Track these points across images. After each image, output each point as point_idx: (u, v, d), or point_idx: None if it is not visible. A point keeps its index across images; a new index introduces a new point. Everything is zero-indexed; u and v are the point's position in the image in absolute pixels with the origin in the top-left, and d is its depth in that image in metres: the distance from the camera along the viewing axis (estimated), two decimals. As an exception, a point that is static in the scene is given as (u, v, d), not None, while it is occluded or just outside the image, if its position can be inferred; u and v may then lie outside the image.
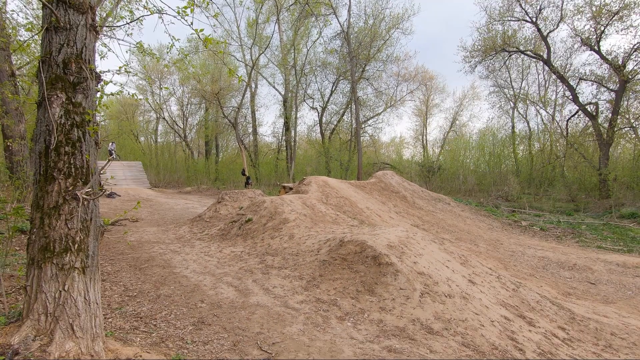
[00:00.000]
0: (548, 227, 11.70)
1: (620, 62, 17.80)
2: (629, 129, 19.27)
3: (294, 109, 27.30)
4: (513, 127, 27.50)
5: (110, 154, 21.22)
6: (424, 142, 35.71)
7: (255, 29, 23.24)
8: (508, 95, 27.19)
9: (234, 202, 9.81)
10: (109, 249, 6.51)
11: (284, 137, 28.40)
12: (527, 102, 26.50)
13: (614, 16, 17.43)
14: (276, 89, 27.89)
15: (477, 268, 5.25)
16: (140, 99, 36.15)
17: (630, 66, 17.78)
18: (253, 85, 29.45)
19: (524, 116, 27.12)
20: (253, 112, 29.89)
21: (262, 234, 6.81)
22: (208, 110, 33.74)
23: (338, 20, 22.35)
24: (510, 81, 26.86)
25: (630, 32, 17.44)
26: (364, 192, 10.98)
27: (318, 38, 25.56)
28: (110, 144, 23.34)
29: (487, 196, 19.88)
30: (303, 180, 10.47)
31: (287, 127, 27.36)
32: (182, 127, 36.71)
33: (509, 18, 20.51)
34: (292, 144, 26.85)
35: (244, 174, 22.33)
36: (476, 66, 21.94)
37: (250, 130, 30.73)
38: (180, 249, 6.56)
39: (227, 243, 6.86)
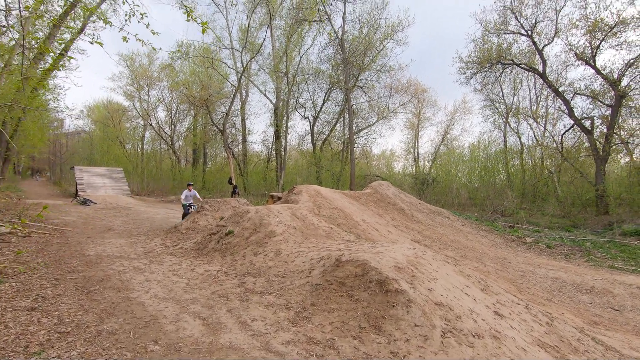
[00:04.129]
0: (554, 244, 10.98)
1: (615, 77, 17.61)
2: (621, 144, 19.01)
3: (285, 118, 26.54)
4: (505, 141, 27.25)
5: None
6: (416, 155, 35.30)
7: (247, 34, 22.57)
8: (500, 110, 27.00)
9: (215, 212, 8.81)
10: (59, 266, 5.44)
11: (274, 146, 27.53)
12: (519, 116, 26.32)
13: (609, 31, 17.29)
14: (267, 97, 27.17)
15: (502, 296, 4.38)
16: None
17: (625, 81, 17.60)
18: (244, 93, 28.66)
19: (516, 131, 26.89)
20: (243, 120, 29.03)
21: (243, 249, 5.84)
22: (196, 117, 32.75)
23: (333, 27, 21.86)
24: (503, 96, 26.71)
25: (624, 47, 17.16)
26: (359, 203, 10.11)
27: (311, 45, 25.05)
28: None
29: (480, 210, 19.26)
30: (293, 189, 9.56)
31: (277, 136, 26.53)
32: (169, 134, 35.53)
33: (505, 31, 20.31)
34: (283, 153, 25.97)
35: (230, 183, 21.29)
36: (472, 77, 21.62)
37: (239, 138, 29.81)
38: (145, 267, 5.52)
39: (202, 259, 5.85)
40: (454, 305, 3.66)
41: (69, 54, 16.35)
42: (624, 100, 17.35)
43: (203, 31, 2.41)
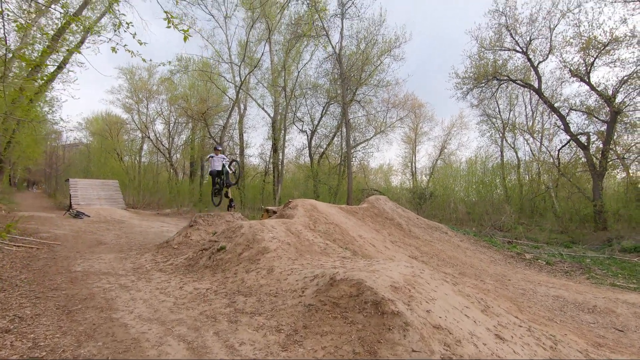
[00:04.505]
0: (554, 261, 10.80)
1: (610, 93, 17.77)
2: (618, 160, 19.04)
3: (283, 131, 26.57)
4: (502, 156, 27.30)
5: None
6: (413, 169, 35.31)
7: (246, 49, 22.79)
8: (496, 125, 27.16)
9: (208, 227, 8.62)
10: (42, 282, 5.22)
11: (271, 160, 27.46)
12: (516, 131, 26.44)
13: (603, 49, 17.54)
14: (265, 111, 27.23)
15: (503, 317, 4.20)
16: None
17: (619, 98, 17.76)
18: (242, 107, 28.76)
19: (512, 146, 26.98)
20: (241, 134, 29.02)
21: (235, 265, 5.64)
22: (194, 130, 32.77)
23: (330, 42, 22.12)
24: (499, 111, 26.90)
25: (618, 65, 17.38)
26: (356, 218, 9.95)
27: (309, 60, 25.30)
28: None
29: (478, 225, 19.10)
30: (288, 203, 9.40)
31: (275, 149, 26.50)
32: (167, 147, 35.48)
33: (500, 48, 20.60)
34: (280, 166, 25.89)
35: (227, 197, 21.09)
36: (468, 93, 21.81)
37: (237, 151, 29.74)
38: (132, 284, 5.31)
39: (192, 276, 5.64)
40: (453, 329, 3.49)
41: (67, 66, 16.38)
42: (619, 117, 17.46)
43: (185, 38, 2.33)
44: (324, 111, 26.62)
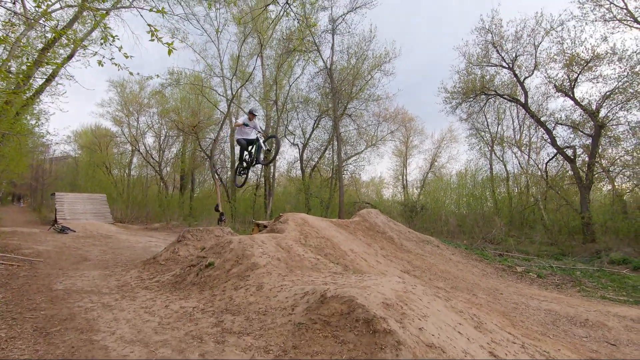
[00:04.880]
0: (544, 274, 10.82)
1: (594, 108, 18.24)
2: (603, 173, 19.42)
3: (275, 145, 26.60)
4: (491, 169, 27.57)
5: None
6: (404, 182, 35.49)
7: (237, 63, 22.94)
8: (485, 138, 27.56)
9: (196, 242, 8.44)
10: (20, 302, 5.00)
11: (262, 173, 27.36)
12: (504, 145, 26.84)
13: (585, 65, 18.08)
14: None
15: (496, 334, 4.14)
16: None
17: (603, 112, 18.23)
18: (233, 120, 28.77)
19: (501, 159, 27.31)
20: (232, 147, 28.93)
21: (224, 282, 5.50)
22: (185, 143, 32.57)
23: (321, 57, 22.41)
24: (487, 125, 27.33)
25: (600, 81, 17.90)
26: (347, 231, 9.87)
27: (301, 75, 25.53)
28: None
29: (469, 238, 19.15)
30: (279, 217, 9.29)
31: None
32: (157, 160, 35.11)
33: (487, 64, 21.10)
34: (271, 180, 25.78)
35: (217, 210, 20.85)
36: (457, 107, 22.19)
37: (228, 165, 29.60)
38: (115, 303, 5.12)
39: (178, 294, 5.47)
40: (446, 347, 3.41)
41: (56, 79, 16.22)
42: (603, 130, 17.89)
43: (169, 52, 2.30)
44: (316, 125, 26.75)
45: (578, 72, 18.34)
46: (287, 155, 33.44)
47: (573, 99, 18.87)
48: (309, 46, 22.68)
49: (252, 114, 7.89)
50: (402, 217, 22.89)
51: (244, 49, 24.17)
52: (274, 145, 9.17)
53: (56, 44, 13.32)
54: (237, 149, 8.24)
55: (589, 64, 18.06)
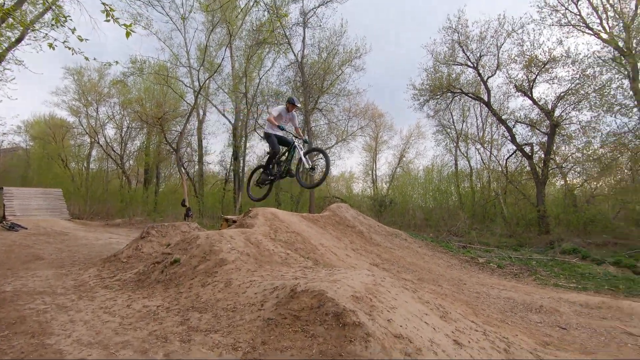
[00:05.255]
0: (504, 264, 11.42)
1: (550, 108, 19.38)
2: (557, 169, 20.76)
3: (244, 139, 26.07)
4: (456, 165, 28.62)
5: None
6: (374, 177, 36.11)
7: (205, 53, 22.19)
8: (451, 135, 28.54)
9: (161, 238, 8.12)
10: (-39, 306, 4.58)
11: (232, 167, 26.78)
12: (468, 141, 27.93)
13: (543, 67, 19.13)
14: (226, 117, 26.62)
15: (460, 322, 4.30)
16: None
17: (558, 112, 19.39)
18: (201, 112, 27.89)
19: (465, 155, 28.41)
20: (200, 140, 28.08)
21: (190, 279, 5.32)
22: (150, 135, 31.19)
23: (292, 50, 22.17)
24: (453, 122, 28.29)
25: (556, 82, 19.04)
26: (318, 226, 9.89)
27: (271, 67, 25.14)
28: None
29: (435, 231, 19.85)
30: (248, 212, 9.14)
31: (235, 156, 25.90)
32: (119, 153, 33.35)
33: (453, 62, 21.78)
34: (241, 174, 25.32)
35: (184, 205, 20.24)
36: (424, 104, 22.77)
37: (195, 158, 28.70)
38: (72, 304, 4.81)
39: (141, 293, 5.24)
40: (413, 337, 3.49)
41: (3, 64, 14.95)
42: (557, 129, 19.05)
43: (127, 34, 2.14)
44: (286, 119, 26.52)
45: (536, 73, 19.38)
46: (257, 149, 32.85)
47: (531, 98, 19.94)
48: (280, 38, 22.36)
49: (291, 104, 5.79)
50: (372, 211, 23.30)
51: (212, 39, 23.43)
52: (321, 161, 6.24)
53: (2, 24, 12.24)
54: (265, 148, 6.51)
55: (546, 66, 19.13)
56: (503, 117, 21.32)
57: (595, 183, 21.14)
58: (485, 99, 21.33)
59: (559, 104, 19.25)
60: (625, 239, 17.44)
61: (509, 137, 21.08)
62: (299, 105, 5.89)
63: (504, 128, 21.58)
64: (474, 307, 7.11)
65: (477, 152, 27.29)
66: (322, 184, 5.44)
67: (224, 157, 29.56)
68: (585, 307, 7.56)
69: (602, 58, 17.38)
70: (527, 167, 20.85)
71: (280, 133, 5.88)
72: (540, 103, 19.70)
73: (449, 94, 22.46)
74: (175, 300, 4.79)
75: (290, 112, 5.91)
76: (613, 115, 17.50)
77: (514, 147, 21.06)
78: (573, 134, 19.38)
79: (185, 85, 25.55)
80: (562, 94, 19.02)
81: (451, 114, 27.67)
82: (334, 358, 3.11)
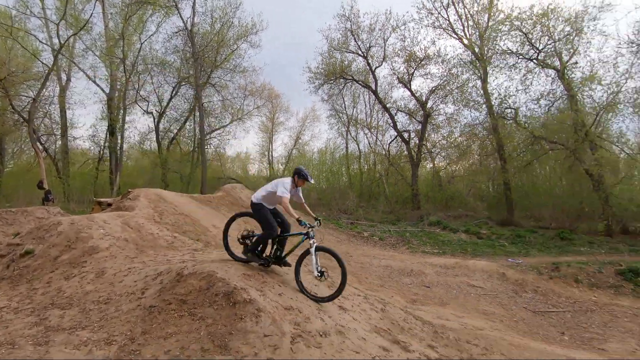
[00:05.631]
0: (385, 236, 12.85)
1: (424, 100, 22.18)
2: (428, 153, 24.14)
3: (122, 111, 22.80)
4: (347, 147, 30.56)
5: None
6: (270, 158, 36.10)
7: (67, 3, 18.36)
8: (343, 119, 30.27)
9: (7, 226, 6.62)
10: None
11: (107, 144, 23.24)
12: (358, 126, 30.09)
13: (420, 62, 21.64)
14: (98, 85, 22.70)
15: (345, 290, 4.67)
16: None
17: (430, 104, 22.34)
18: (64, 77, 23.19)
19: (355, 139, 30.58)
20: (63, 110, 23.39)
21: (49, 273, 4.49)
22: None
23: (181, 16, 20.07)
24: (345, 107, 29.98)
25: (429, 77, 21.82)
26: (210, 207, 9.42)
27: (156, 32, 22.34)
28: None
29: (327, 209, 21.11)
30: (128, 193, 8.13)
31: (112, 131, 22.51)
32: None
33: (346, 50, 22.90)
34: (118, 152, 22.22)
35: (41, 187, 16.85)
36: (319, 88, 23.49)
37: (58, 131, 23.92)
38: None
39: (-23, 294, 4.20)
40: (303, 307, 3.66)
41: None
42: (429, 119, 21.97)
43: None
44: (174, 92, 24.11)
45: (414, 68, 21.82)
46: (140, 124, 29.34)
47: (410, 90, 22.45)
48: (166, 1, 19.96)
49: (302, 179, 4.49)
50: (268, 192, 23.31)
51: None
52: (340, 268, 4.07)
53: None
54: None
55: (422, 62, 21.69)
56: (387, 105, 23.53)
57: (454, 166, 25.26)
58: (373, 87, 23.14)
59: (431, 97, 22.15)
60: (473, 211, 21.53)
61: (392, 124, 23.45)
62: (312, 181, 4.55)
63: (387, 115, 23.84)
64: (359, 276, 7.86)
65: (365, 136, 29.65)
66: (339, 293, 3.96)
67: (97, 132, 25.41)
68: (444, 267, 9.09)
69: (463, 60, 20.57)
70: (405, 152, 23.62)
71: (271, 207, 4.47)
72: (416, 95, 22.35)
73: (342, 79, 23.63)
74: (27, 298, 3.99)
75: (297, 187, 4.55)
76: (469, 110, 21.03)
77: (395, 133, 23.53)
78: (440, 124, 22.67)
79: (41, 42, 20.81)
80: (433, 88, 21.91)
81: (343, 99, 29.22)
82: (224, 337, 3.04)
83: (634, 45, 15.00)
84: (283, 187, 4.27)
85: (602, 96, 15.95)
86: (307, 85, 23.51)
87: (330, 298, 3.94)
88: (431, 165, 25.86)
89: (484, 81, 19.30)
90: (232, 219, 4.74)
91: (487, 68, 19.26)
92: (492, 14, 19.02)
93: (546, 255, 11.14)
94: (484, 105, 19.86)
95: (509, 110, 19.24)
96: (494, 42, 18.74)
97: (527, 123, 18.52)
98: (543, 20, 16.77)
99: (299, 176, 4.46)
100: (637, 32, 14.89)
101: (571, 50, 16.69)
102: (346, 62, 22.97)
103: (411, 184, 21.86)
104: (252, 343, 2.99)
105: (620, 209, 14.33)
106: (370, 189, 26.67)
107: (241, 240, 4.47)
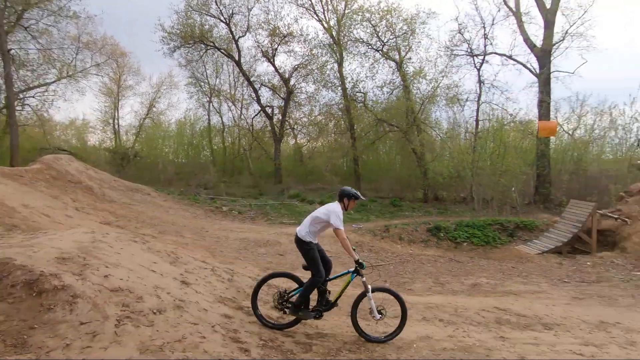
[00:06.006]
0: (244, 210, 12.89)
1: (287, 77, 22.63)
2: (290, 130, 25.09)
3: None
4: (209, 120, 28.83)
5: None
6: (116, 127, 30.99)
7: None
8: (204, 89, 28.24)
9: None
10: None
11: None
12: (221, 97, 28.62)
13: (283, 39, 21.80)
14: None
15: (190, 264, 4.49)
16: None
17: (292, 81, 22.97)
18: None
19: (218, 111, 29.06)
20: None
21: None
22: None
23: None
24: (206, 76, 27.96)
25: (292, 55, 22.27)
26: (21, 183, 7.48)
27: None
28: None
29: (186, 185, 19.80)
30: None
31: None
32: None
33: (206, 13, 21.12)
34: None
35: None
36: (175, 50, 21.21)
37: None
38: None
39: None
40: (136, 287, 3.34)
41: None
42: (292, 96, 22.63)
43: None
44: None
45: (278, 44, 21.87)
46: None
47: (274, 65, 22.48)
48: None
49: (353, 199, 3.81)
50: (111, 165, 20.19)
51: None
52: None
53: None
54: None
55: (285, 39, 21.89)
56: (251, 78, 23.06)
57: (315, 143, 27.01)
58: (236, 58, 22.22)
59: (293, 75, 22.73)
60: (330, 184, 23.75)
61: (255, 98, 23.19)
62: (364, 198, 3.99)
63: (251, 89, 23.42)
64: (213, 250, 7.69)
65: (229, 109, 28.46)
66: (398, 333, 3.64)
67: None
68: (298, 236, 9.76)
69: (323, 42, 21.73)
70: (269, 127, 23.85)
71: (316, 241, 3.83)
72: (280, 71, 22.57)
73: (202, 45, 21.84)
74: None
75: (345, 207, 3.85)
76: (327, 90, 22.55)
77: (259, 108, 23.42)
78: (302, 102, 23.64)
79: None
80: (296, 66, 22.50)
81: (205, 67, 27.16)
82: (22, 334, 2.51)
83: (448, 50, 18.75)
84: (337, 217, 3.61)
85: (426, 89, 19.50)
86: (160, 45, 20.84)
87: (393, 335, 3.65)
88: (294, 142, 27.01)
89: (340, 65, 20.90)
90: (264, 281, 3.94)
91: (343, 53, 20.89)
92: (348, 2, 20.51)
93: (382, 219, 13.21)
94: (339, 88, 21.60)
95: (360, 94, 21.50)
96: (349, 30, 20.40)
97: (373, 107, 21.13)
98: (387, 17, 19.09)
99: (348, 197, 3.82)
100: (450, 40, 18.66)
101: (407, 47, 19.63)
102: (207, 27, 21.25)
103: (274, 159, 22.37)
104: (64, 334, 2.57)
105: (434, 181, 18.10)
106: (233, 164, 26.16)
107: (279, 306, 3.71)
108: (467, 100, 19.06)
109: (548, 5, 16.33)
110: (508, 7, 17.63)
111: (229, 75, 29.28)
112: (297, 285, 3.81)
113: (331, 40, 21.07)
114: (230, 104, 27.98)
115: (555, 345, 3.85)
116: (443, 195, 19.14)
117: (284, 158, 25.05)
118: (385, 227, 10.64)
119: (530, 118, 17.92)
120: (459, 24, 18.77)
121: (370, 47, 20.18)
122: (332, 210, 3.66)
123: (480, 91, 18.83)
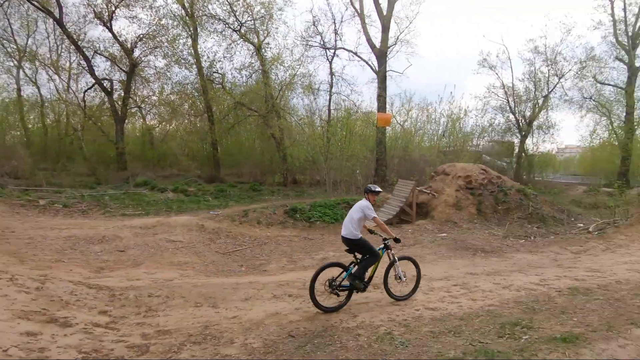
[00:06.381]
0: (72, 202, 10.68)
1: (129, 47, 19.52)
2: (137, 109, 22.00)
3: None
4: (19, 90, 22.51)
5: None
6: None
7: None
8: (9, 50, 21.74)
9: None
10: None
11: None
12: (37, 63, 22.62)
13: (122, 1, 18.60)
14: None
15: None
16: None
17: (137, 53, 19.99)
18: None
19: (34, 80, 22.96)
20: None
21: None
22: None
23: None
24: (12, 33, 21.55)
25: (136, 22, 19.28)
26: None
27: None
28: None
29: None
30: None
31: None
32: None
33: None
34: None
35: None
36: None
37: None
38: None
39: None
40: None
41: None
42: (136, 69, 19.71)
43: None
44: None
45: (116, 5, 18.55)
46: None
47: (111, 31, 19.02)
48: None
49: (372, 194, 4.65)
50: None
51: None
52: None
53: None
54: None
55: (125, 1, 18.75)
56: (81, 44, 18.96)
57: (168, 125, 24.46)
58: (56, 15, 17.85)
59: (138, 45, 19.76)
60: (186, 170, 21.99)
61: (87, 69, 19.27)
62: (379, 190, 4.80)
63: (81, 57, 19.32)
64: (22, 255, 6.11)
65: (50, 79, 22.72)
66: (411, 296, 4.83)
67: None
68: (144, 228, 8.68)
69: (174, 13, 19.53)
70: (107, 104, 20.27)
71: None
72: (120, 39, 19.29)
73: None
74: None
75: (367, 199, 4.70)
76: (180, 67, 20.54)
77: (93, 81, 19.58)
78: (150, 78, 20.87)
79: None
80: (141, 36, 19.60)
81: (9, 22, 20.83)
82: None
83: (304, 40, 19.60)
84: (369, 208, 4.50)
85: (284, 76, 20.00)
86: None
87: (410, 294, 4.76)
88: (142, 122, 23.78)
89: (194, 40, 19.32)
90: (318, 273, 4.27)
91: (198, 29, 19.34)
92: (202, -29, 18.94)
93: (241, 205, 13.05)
94: (194, 66, 19.99)
95: (217, 75, 20.43)
96: (204, 3, 18.96)
97: (231, 89, 20.42)
98: (245, -4, 18.52)
99: (368, 192, 4.67)
100: (305, 30, 19.54)
101: (265, 31, 19.57)
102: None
103: (115, 142, 19.23)
104: None
105: (292, 165, 18.93)
106: (59, 147, 21.38)
107: (330, 289, 4.35)
108: (319, 89, 20.51)
109: (385, 12, 18.86)
110: (354, 7, 19.60)
111: (48, 36, 23.35)
112: (342, 270, 4.45)
113: (183, 12, 19.19)
114: (51, 72, 22.42)
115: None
116: (300, 178, 20.28)
117: (129, 141, 21.83)
118: (243, 212, 10.55)
119: (372, 109, 20.67)
120: (313, 17, 19.87)
121: (227, 25, 19.29)
122: (364, 206, 4.50)
123: (332, 82, 20.53)
